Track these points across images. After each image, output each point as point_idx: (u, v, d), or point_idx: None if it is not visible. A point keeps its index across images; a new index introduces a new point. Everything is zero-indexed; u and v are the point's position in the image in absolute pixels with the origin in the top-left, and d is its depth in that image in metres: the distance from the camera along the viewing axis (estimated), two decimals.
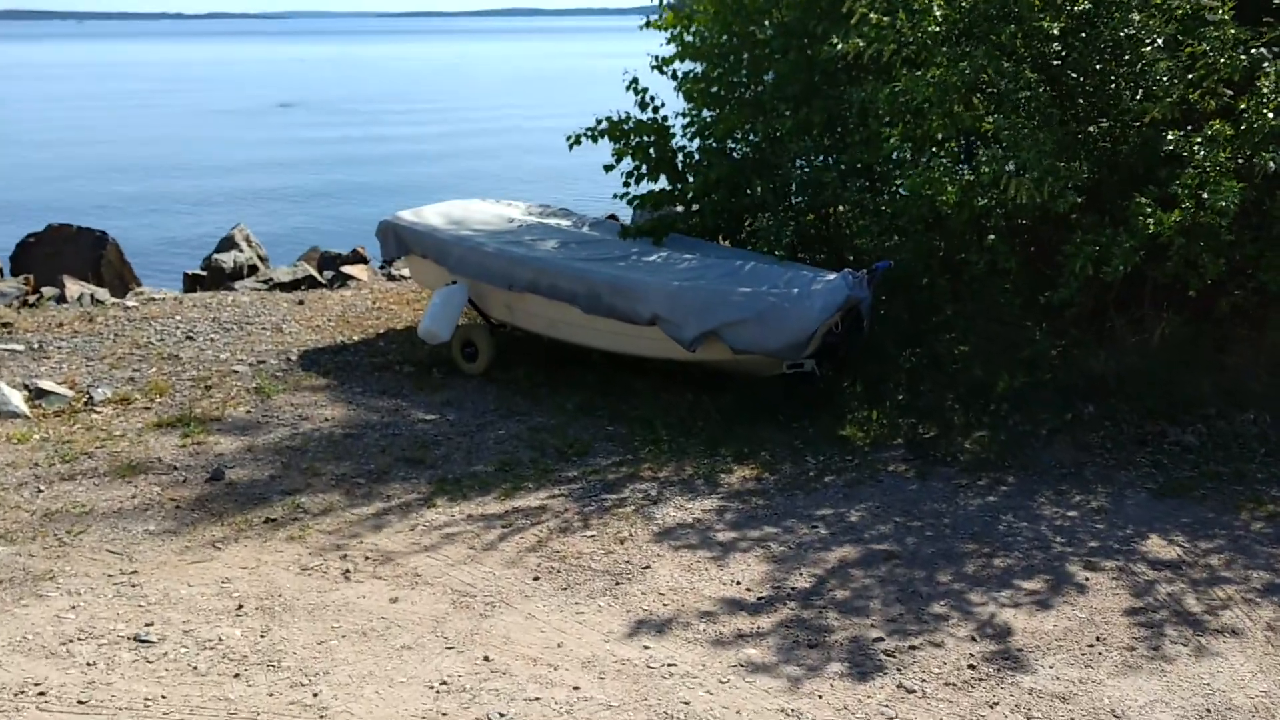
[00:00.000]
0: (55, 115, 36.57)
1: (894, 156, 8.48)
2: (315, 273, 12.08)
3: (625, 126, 9.08)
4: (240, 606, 4.92)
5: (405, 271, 11.80)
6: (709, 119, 9.13)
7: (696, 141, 9.20)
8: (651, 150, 9.08)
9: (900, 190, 8.32)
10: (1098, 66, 7.28)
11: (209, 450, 6.72)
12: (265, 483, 6.30)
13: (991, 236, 8.08)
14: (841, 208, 8.63)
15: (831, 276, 7.43)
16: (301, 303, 9.99)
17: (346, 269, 12.01)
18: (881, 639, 4.79)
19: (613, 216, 13.73)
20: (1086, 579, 5.34)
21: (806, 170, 8.61)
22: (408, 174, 22.78)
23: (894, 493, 6.38)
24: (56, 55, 78.41)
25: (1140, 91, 7.22)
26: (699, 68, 9.30)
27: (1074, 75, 7.50)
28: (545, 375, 8.10)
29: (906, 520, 6.01)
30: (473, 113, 35.94)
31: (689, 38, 9.22)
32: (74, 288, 10.33)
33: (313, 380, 7.98)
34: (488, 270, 8.05)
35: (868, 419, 7.38)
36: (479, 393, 7.92)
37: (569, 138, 9.16)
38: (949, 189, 7.83)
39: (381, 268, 13.11)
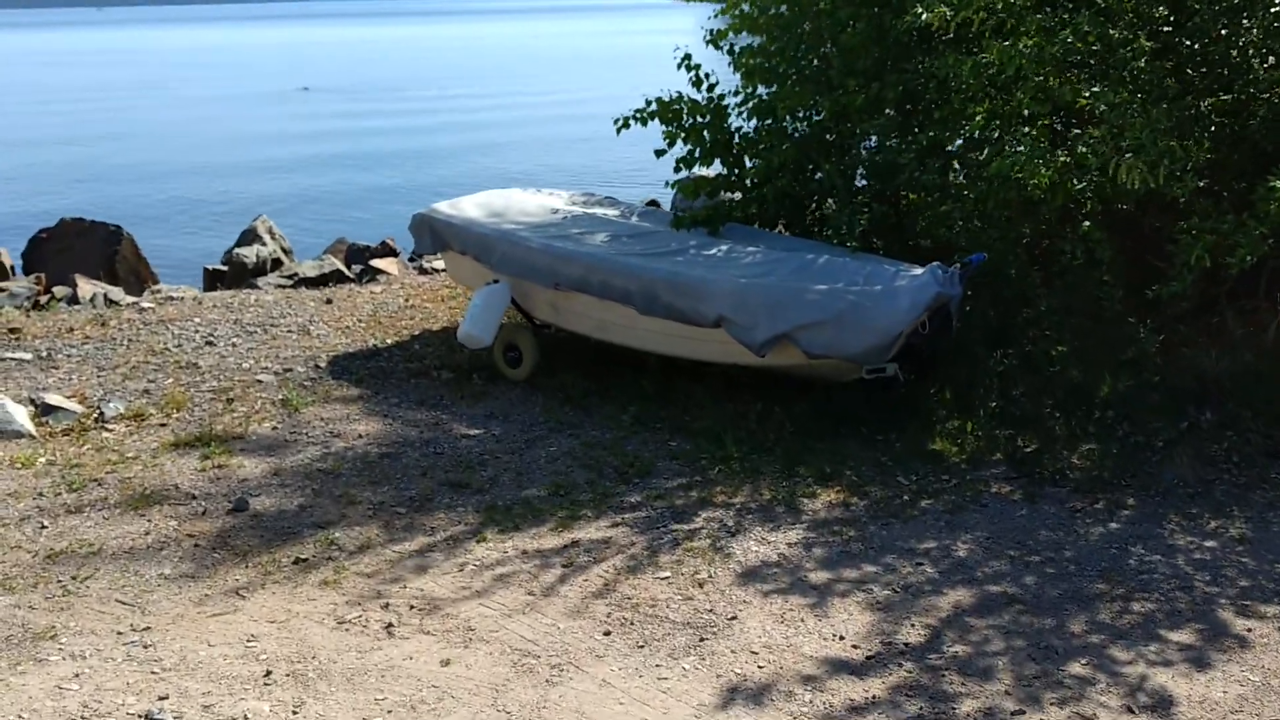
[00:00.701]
0: (69, 105, 35.98)
1: (977, 136, 7.67)
2: (343, 267, 11.38)
3: (677, 107, 8.31)
4: (269, 673, 4.23)
5: (439, 264, 11.10)
6: (766, 96, 8.35)
7: (753, 122, 8.42)
8: (705, 133, 8.31)
9: (985, 173, 7.53)
10: (1223, 30, 6.45)
11: (231, 475, 6.04)
12: (294, 514, 5.61)
13: (1086, 224, 7.29)
14: (918, 193, 7.83)
15: (918, 271, 6.67)
16: (330, 301, 9.30)
17: (376, 263, 11.30)
18: (1020, 711, 4.05)
19: (653, 202, 13.02)
20: (1247, 630, 4.59)
21: (878, 152, 7.82)
22: (432, 160, 22.00)
23: (1002, 520, 5.64)
24: (76, 42, 77.98)
25: (1271, 58, 6.39)
26: (756, 41, 8.51)
27: (1189, 42, 6.69)
28: (595, 382, 7.38)
29: (1022, 554, 5.27)
30: (498, 96, 35.10)
31: (745, 7, 8.43)
32: (87, 287, 9.66)
33: (344, 390, 7.29)
34: (532, 267, 7.32)
35: (960, 430, 6.62)
36: (524, 402, 7.20)
37: (616, 121, 8.41)
38: (1042, 171, 7.06)
39: (412, 259, 12.41)
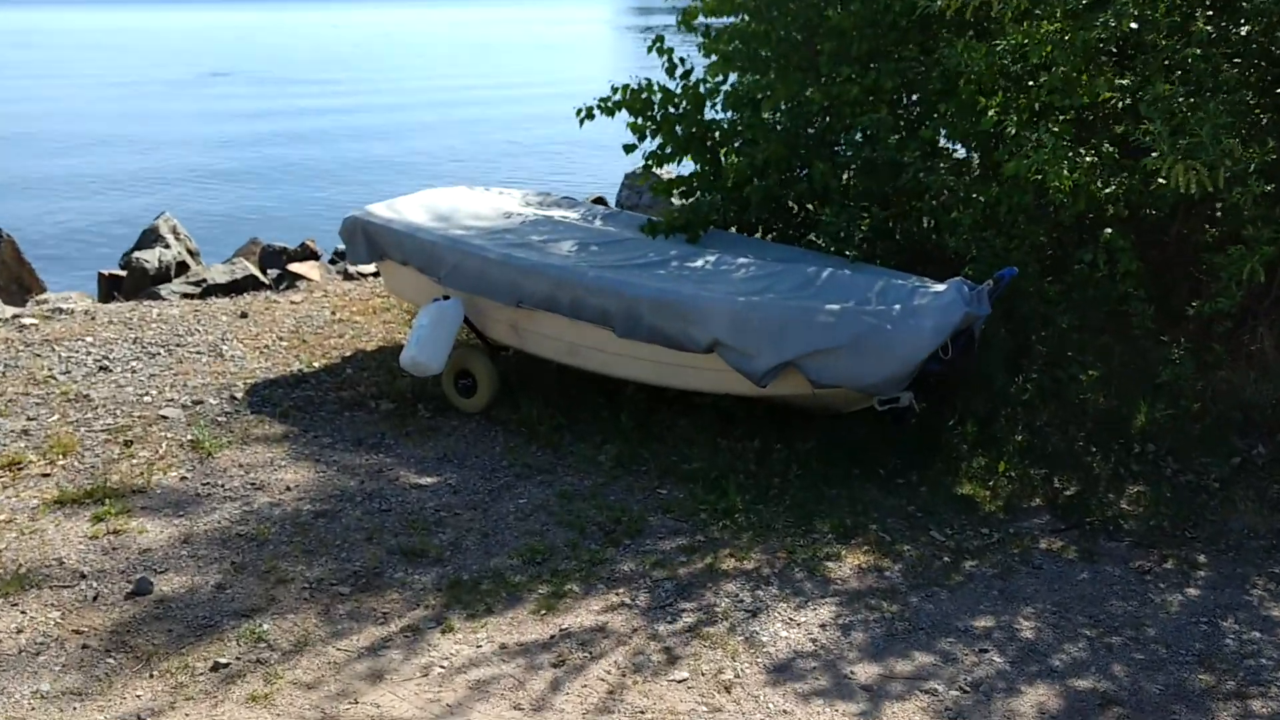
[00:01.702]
0: None
1: (991, 132, 6.81)
2: (257, 272, 10.18)
3: (646, 96, 7.32)
4: None
5: (366, 269, 9.98)
6: (748, 85, 7.39)
7: (730, 114, 7.46)
8: (678, 125, 7.33)
9: (998, 174, 6.68)
10: None
11: (131, 543, 4.91)
12: (210, 598, 4.52)
13: (1108, 231, 6.48)
14: (921, 197, 6.94)
15: (940, 288, 5.78)
16: (245, 315, 8.13)
17: (295, 267, 10.11)
18: None
19: (599, 200, 12.04)
20: None
21: (875, 150, 6.90)
22: (353, 152, 20.52)
23: (1062, 586, 4.77)
24: None
25: None
26: (732, 20, 7.56)
27: (1244, 24, 5.89)
28: (564, 415, 6.37)
29: (1099, 633, 4.41)
30: (419, 84, 33.56)
31: None
32: None
33: (266, 427, 6.17)
34: (490, 282, 6.28)
35: (989, 470, 5.76)
36: (482, 441, 6.16)
37: (579, 111, 7.39)
38: (1064, 173, 6.23)
39: (332, 261, 11.27)
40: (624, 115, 7.40)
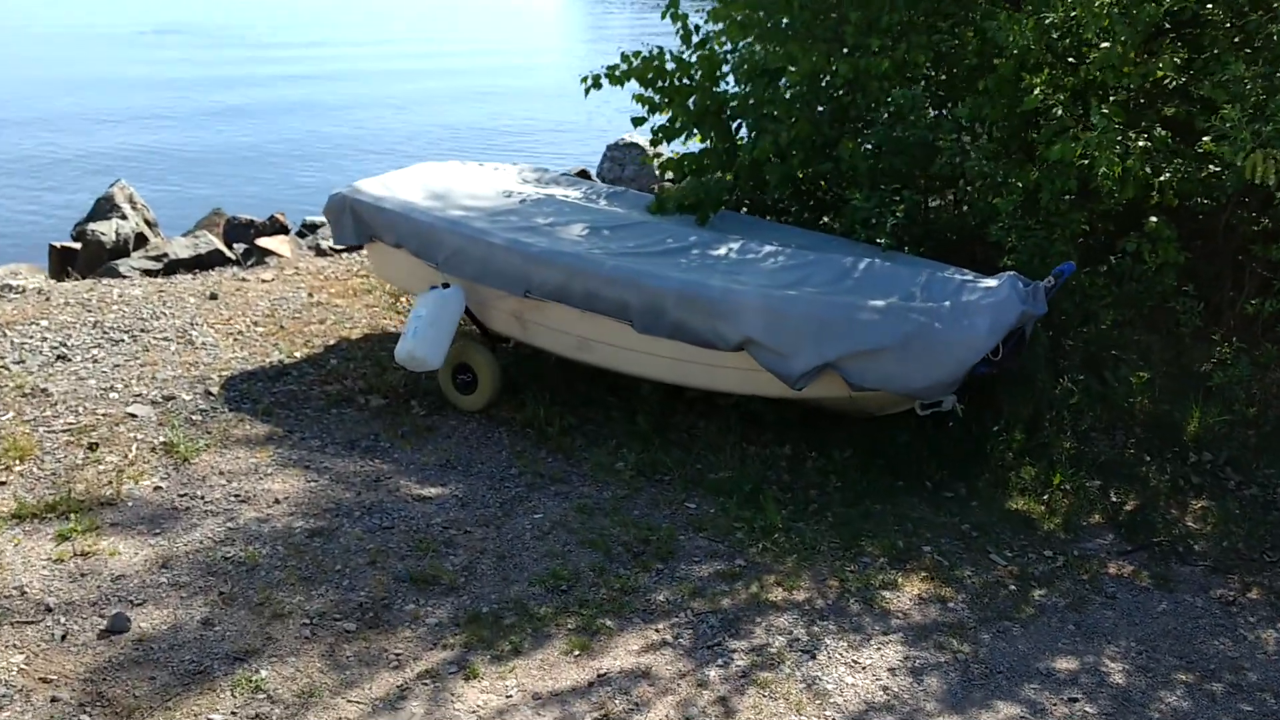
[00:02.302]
0: None
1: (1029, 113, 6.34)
2: (222, 246, 9.52)
3: (658, 65, 6.76)
4: None
5: (339, 244, 9.37)
6: (765, 55, 6.85)
7: (745, 86, 6.92)
8: (692, 99, 6.78)
9: (1042, 157, 6.22)
10: None
11: (102, 568, 4.33)
12: (197, 636, 3.96)
13: (1153, 220, 6.05)
14: (957, 181, 6.46)
15: (992, 282, 5.31)
16: (215, 297, 7.48)
17: (263, 242, 9.45)
18: None
19: (583, 173, 11.46)
20: None
21: (909, 129, 6.40)
22: (315, 116, 19.49)
23: (1143, 620, 4.35)
24: None
25: None
26: None
27: None
28: (573, 413, 5.85)
29: (1196, 678, 3.99)
30: (378, 45, 32.54)
31: None
32: None
33: (247, 427, 5.58)
34: (495, 269, 5.72)
35: (1041, 482, 5.33)
36: (486, 443, 5.62)
37: (585, 80, 6.82)
38: (1115, 159, 5.78)
39: (301, 234, 10.61)
40: (615, 85, 6.85)
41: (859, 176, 6.47)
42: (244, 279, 8.19)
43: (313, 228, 10.76)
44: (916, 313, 5.10)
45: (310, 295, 7.69)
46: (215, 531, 4.62)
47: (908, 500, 5.17)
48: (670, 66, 6.72)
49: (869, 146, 6.54)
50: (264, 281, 8.09)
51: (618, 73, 6.81)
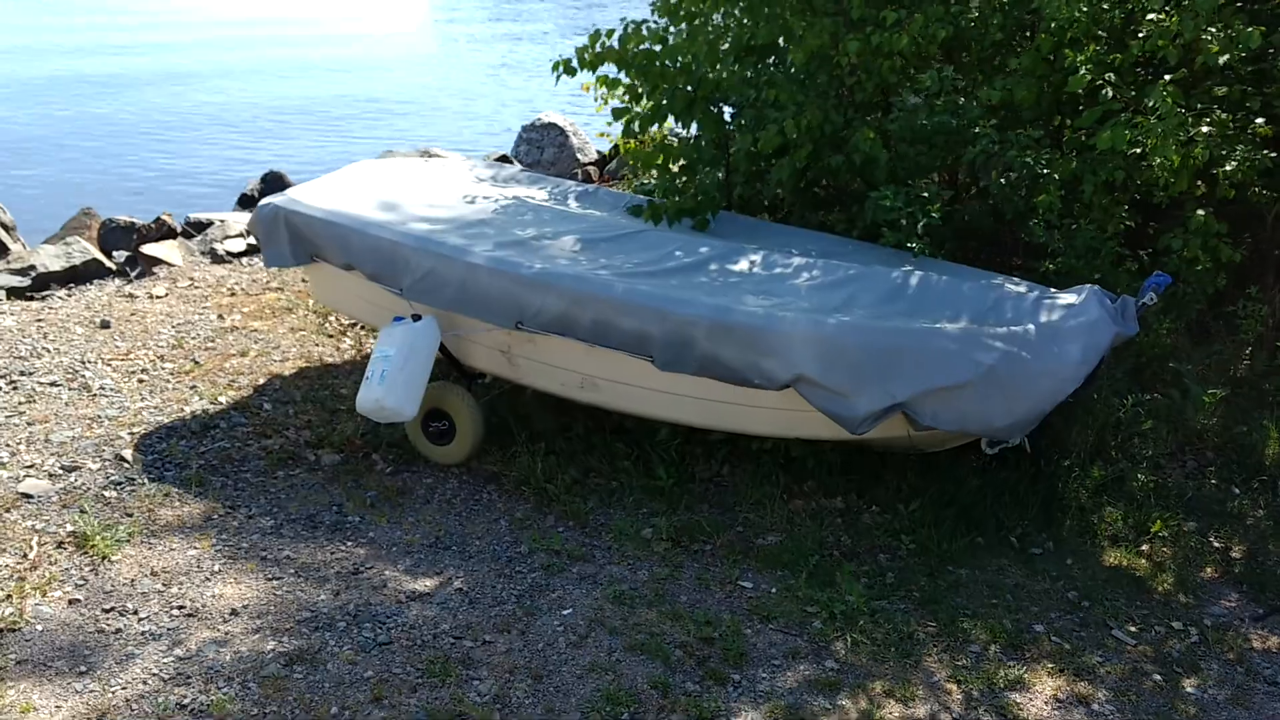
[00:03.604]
0: None
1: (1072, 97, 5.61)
2: (100, 254, 8.18)
3: (637, 45, 5.79)
4: None
5: (233, 246, 8.21)
6: (753, 28, 5.95)
7: (736, 66, 6.01)
8: (680, 83, 5.83)
9: (1091, 145, 5.50)
10: None
11: None
12: None
13: (1200, 213, 5.38)
14: (988, 173, 5.69)
15: (1072, 299, 4.55)
16: (107, 325, 6.26)
17: (150, 249, 8.15)
18: None
19: (503, 158, 10.41)
20: None
21: (935, 115, 5.59)
22: (191, 91, 17.74)
23: None
24: None
25: None
26: None
27: None
28: (575, 463, 4.89)
29: None
30: (239, 14, 30.34)
31: None
32: None
33: (177, 505, 4.47)
34: (477, 297, 4.71)
35: (1131, 527, 4.61)
36: (477, 510, 4.63)
37: (555, 65, 5.82)
38: (1173, 148, 5.08)
39: (186, 234, 9.30)
40: (587, 70, 5.87)
41: (878, 171, 5.63)
42: (132, 295, 6.97)
43: (199, 226, 9.42)
44: (999, 339, 4.29)
45: (220, 317, 6.52)
46: (161, 665, 3.54)
47: (994, 562, 4.37)
48: (648, 46, 5.74)
49: (876, 137, 5.69)
50: (157, 299, 6.88)
51: (589, 54, 5.81)
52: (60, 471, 4.63)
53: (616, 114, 5.89)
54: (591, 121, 10.83)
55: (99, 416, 5.12)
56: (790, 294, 4.67)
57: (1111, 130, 5.27)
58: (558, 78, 5.79)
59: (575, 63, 5.80)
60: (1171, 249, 5.44)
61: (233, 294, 7.09)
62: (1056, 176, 5.48)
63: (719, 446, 4.93)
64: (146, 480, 4.62)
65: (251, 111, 16.05)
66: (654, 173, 6.80)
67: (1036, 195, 5.46)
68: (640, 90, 5.82)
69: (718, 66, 5.77)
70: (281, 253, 5.20)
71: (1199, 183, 5.57)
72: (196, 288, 7.29)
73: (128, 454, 4.80)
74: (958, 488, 4.67)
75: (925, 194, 5.48)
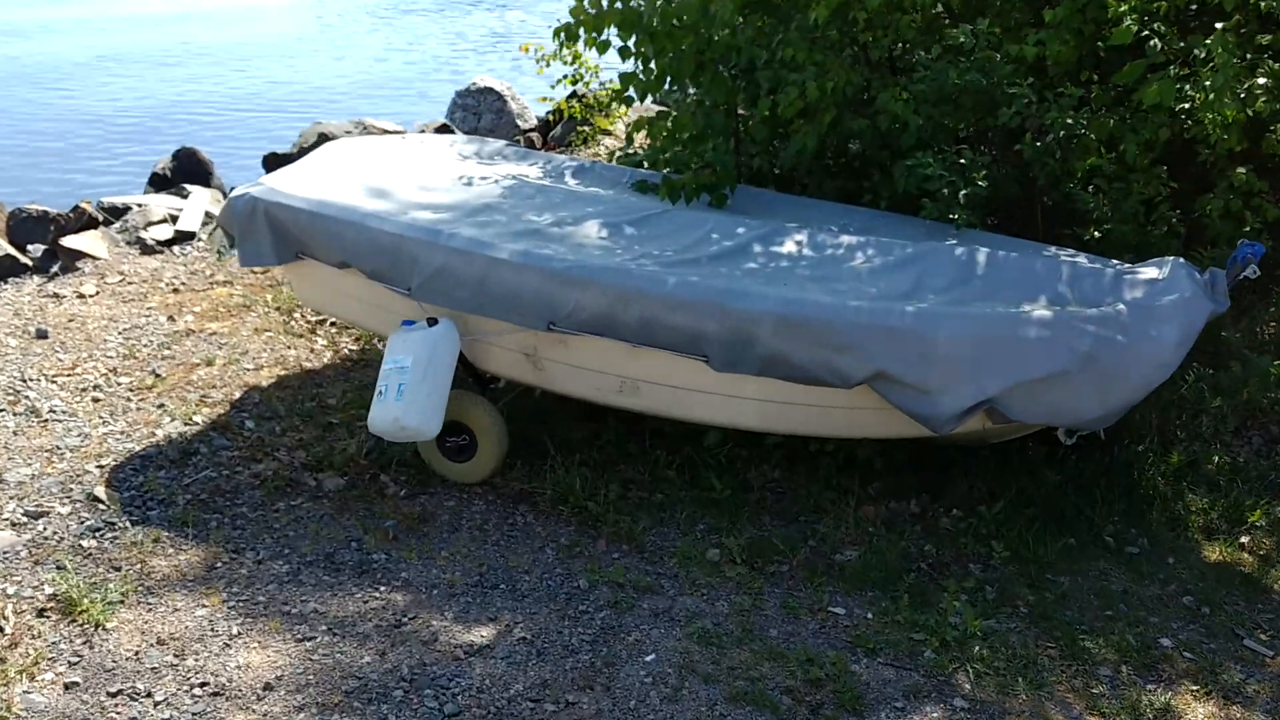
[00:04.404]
0: None
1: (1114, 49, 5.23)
2: (12, 249, 7.35)
3: (632, 5, 5.24)
4: None
5: (159, 232, 7.50)
6: None
7: (743, 23, 5.50)
8: (684, 45, 5.30)
9: (1133, 101, 5.14)
10: None
11: None
12: None
13: (1240, 171, 5.09)
14: (1020, 136, 5.27)
15: (1155, 273, 4.18)
16: (44, 335, 5.52)
17: (71, 242, 7.33)
18: None
19: (444, 128, 9.76)
20: None
21: (967, 74, 5.15)
22: (102, 66, 16.38)
23: None
24: None
25: None
26: None
27: None
28: (610, 473, 4.39)
29: None
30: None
31: None
32: None
33: (171, 552, 3.85)
34: (502, 295, 4.15)
35: (1224, 516, 4.30)
36: (515, 536, 4.10)
37: (556, 30, 5.24)
38: (1227, 103, 4.76)
39: (106, 222, 8.48)
40: (590, 32, 5.31)
41: (906, 136, 5.19)
42: (58, 295, 6.24)
43: (115, 211, 8.54)
44: (1090, 323, 3.89)
45: (171, 319, 5.83)
46: None
47: (1093, 566, 4.01)
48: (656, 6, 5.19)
49: (909, 98, 5.24)
50: (88, 299, 6.16)
51: (582, 18, 5.23)
52: (24, 519, 3.96)
53: (625, 80, 5.32)
54: (533, 86, 10.22)
55: (57, 448, 4.44)
56: (851, 279, 4.21)
57: (1159, 84, 4.92)
58: (560, 45, 5.22)
59: (578, 28, 5.21)
60: (1210, 211, 5.13)
61: (176, 290, 6.37)
62: (1093, 137, 5.12)
63: (773, 450, 4.46)
64: (129, 523, 3.98)
65: (145, 92, 14.90)
66: (644, 142, 6.29)
67: (1076, 158, 5.08)
68: (646, 53, 5.26)
69: (736, 22, 5.21)
70: (260, 250, 4.55)
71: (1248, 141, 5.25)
72: (130, 283, 6.56)
73: (100, 492, 4.14)
74: (1037, 484, 4.29)
75: (962, 160, 5.06)
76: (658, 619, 3.65)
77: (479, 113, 10.74)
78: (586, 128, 8.82)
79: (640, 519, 4.18)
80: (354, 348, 5.67)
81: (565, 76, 8.24)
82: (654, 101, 5.66)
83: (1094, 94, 5.43)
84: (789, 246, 4.44)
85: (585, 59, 8.10)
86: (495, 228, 4.39)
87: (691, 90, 5.59)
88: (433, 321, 4.18)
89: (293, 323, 5.85)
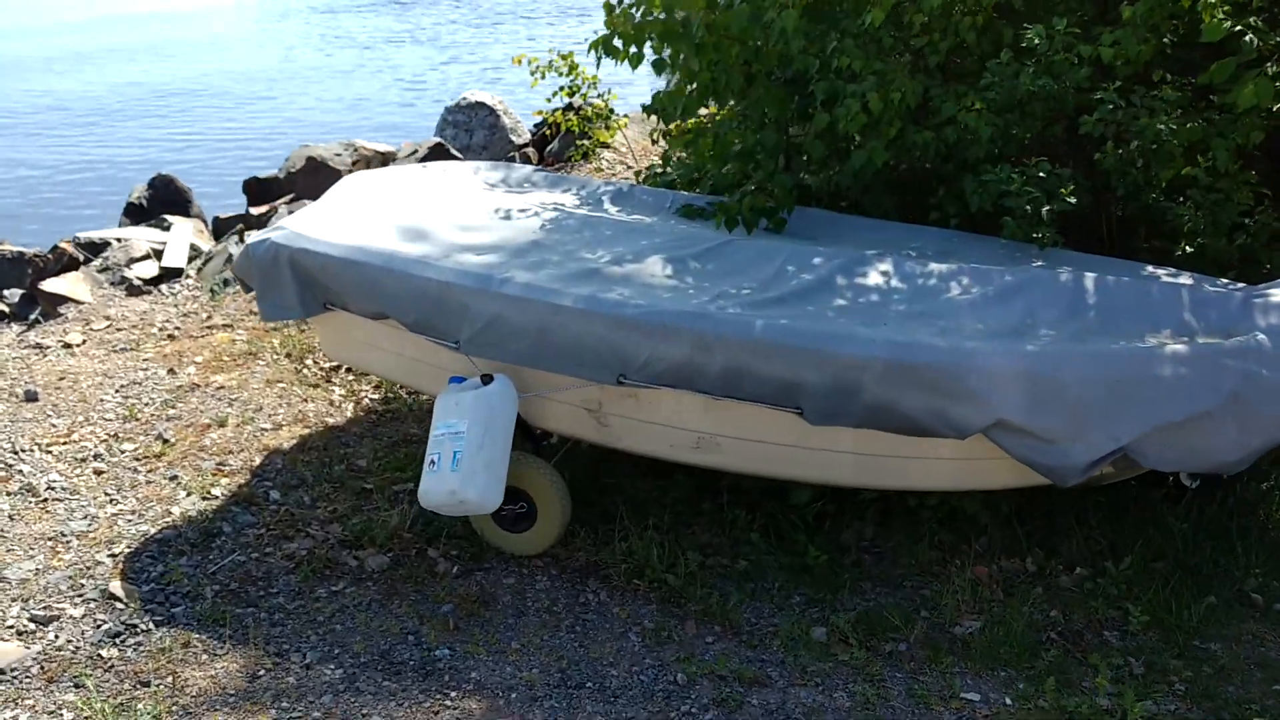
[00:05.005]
0: None
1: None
2: None
3: (671, 14, 4.78)
4: None
5: (142, 271, 7.01)
6: None
7: (783, 29, 5.04)
8: (732, 55, 4.85)
9: (1227, 103, 4.73)
10: None
11: None
12: None
13: None
14: (1101, 143, 4.85)
15: (1276, 294, 3.76)
16: (34, 397, 4.99)
17: (52, 285, 6.81)
18: None
19: (439, 147, 9.27)
20: None
21: (1040, 79, 4.73)
22: (84, 90, 15.75)
23: None
24: None
25: None
26: None
27: None
28: (680, 539, 3.92)
29: None
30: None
31: None
32: None
33: (204, 660, 3.36)
34: (564, 346, 3.68)
35: None
36: (590, 619, 3.64)
37: (593, 44, 4.77)
38: None
39: (86, 260, 7.94)
40: (630, 45, 4.84)
41: (976, 148, 4.76)
42: (41, 347, 5.74)
43: (93, 247, 7.98)
44: (1231, 356, 3.47)
45: (172, 372, 5.32)
46: None
47: (1242, 629, 3.59)
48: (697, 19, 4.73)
49: (979, 107, 4.81)
50: (75, 350, 5.65)
51: (618, 30, 4.78)
52: (31, 626, 3.45)
53: (658, 100, 4.86)
54: (526, 99, 9.75)
55: (61, 534, 3.92)
56: (951, 314, 3.77)
57: (1255, 84, 4.51)
58: (599, 59, 4.75)
59: (618, 41, 4.75)
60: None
61: (171, 337, 5.86)
62: (1177, 143, 4.71)
63: (867, 506, 4.01)
64: (153, 625, 3.47)
65: (106, 108, 14.30)
66: (675, 160, 5.83)
67: (1161, 166, 4.67)
68: (690, 66, 4.80)
69: (789, 31, 4.75)
70: (286, 303, 4.05)
71: None
72: (119, 329, 6.05)
73: (117, 587, 3.64)
74: (1163, 534, 3.86)
75: (1042, 174, 4.64)
76: (772, 718, 3.18)
77: (470, 129, 10.27)
78: (585, 141, 8.35)
79: (729, 593, 3.73)
80: (374, 396, 5.18)
81: (562, 88, 7.76)
82: (679, 117, 5.22)
83: (1162, 93, 5.03)
84: (875, 278, 4.00)
85: (581, 69, 7.61)
86: (549, 269, 3.92)
87: (734, 105, 5.12)
88: (487, 379, 3.70)
89: (305, 371, 5.36)
